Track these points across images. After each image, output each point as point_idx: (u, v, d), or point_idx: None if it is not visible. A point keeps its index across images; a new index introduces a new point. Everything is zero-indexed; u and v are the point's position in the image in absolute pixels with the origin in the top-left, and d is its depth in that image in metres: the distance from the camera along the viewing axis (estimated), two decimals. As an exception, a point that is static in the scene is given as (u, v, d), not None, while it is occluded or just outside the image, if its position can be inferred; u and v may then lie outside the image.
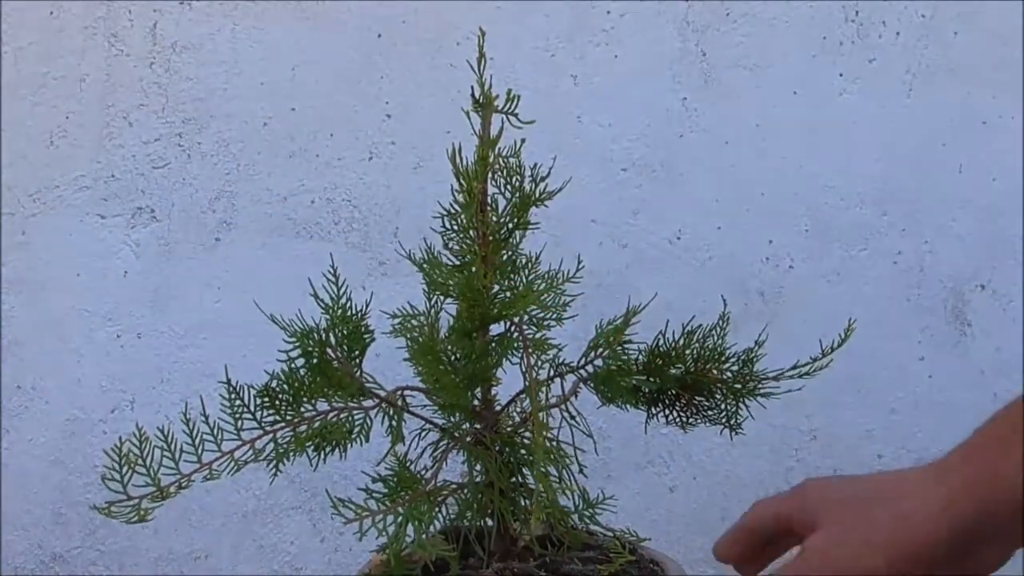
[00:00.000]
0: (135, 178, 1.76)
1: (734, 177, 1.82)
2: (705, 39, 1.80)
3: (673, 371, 1.02)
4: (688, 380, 1.02)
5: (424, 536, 0.86)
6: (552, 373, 1.01)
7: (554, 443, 0.98)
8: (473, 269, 0.95)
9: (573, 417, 1.00)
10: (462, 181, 0.93)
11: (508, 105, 0.94)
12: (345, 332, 0.96)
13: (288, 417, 0.94)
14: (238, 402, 0.92)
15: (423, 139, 1.76)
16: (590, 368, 1.02)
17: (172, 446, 0.90)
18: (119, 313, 1.78)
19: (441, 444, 0.99)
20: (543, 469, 0.88)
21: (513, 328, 0.97)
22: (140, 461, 0.89)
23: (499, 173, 0.98)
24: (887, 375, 1.85)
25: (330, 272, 0.98)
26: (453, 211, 0.97)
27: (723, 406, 1.03)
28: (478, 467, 0.98)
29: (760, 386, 1.01)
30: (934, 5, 1.80)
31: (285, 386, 0.94)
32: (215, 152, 1.77)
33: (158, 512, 1.85)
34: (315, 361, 0.93)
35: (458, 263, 0.98)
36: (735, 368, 1.02)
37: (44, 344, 1.77)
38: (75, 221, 1.76)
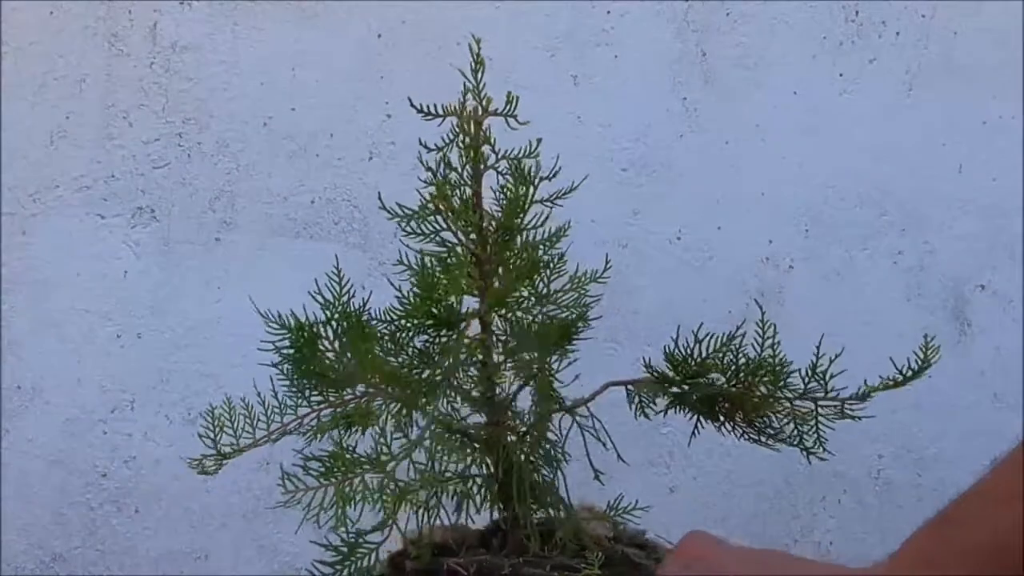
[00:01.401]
0: (135, 178, 1.76)
1: (734, 177, 1.82)
2: (705, 39, 1.79)
3: (702, 381, 1.00)
4: (723, 392, 0.99)
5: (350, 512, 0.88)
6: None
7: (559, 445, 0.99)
8: (430, 269, 0.96)
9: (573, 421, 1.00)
10: (436, 187, 0.95)
11: (507, 108, 0.95)
12: (343, 327, 0.97)
13: (331, 399, 1.00)
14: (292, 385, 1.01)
15: (423, 139, 1.76)
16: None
17: (252, 415, 1.01)
18: (119, 313, 1.78)
19: (450, 438, 1.00)
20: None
21: (465, 327, 0.98)
22: (228, 423, 0.99)
23: (504, 175, 0.99)
24: (887, 375, 1.85)
25: (333, 271, 1.01)
26: (423, 212, 0.98)
27: (792, 429, 0.99)
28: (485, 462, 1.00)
29: (847, 407, 0.97)
30: (934, 5, 1.80)
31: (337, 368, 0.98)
32: (215, 152, 1.77)
33: (158, 512, 1.85)
34: (301, 354, 0.96)
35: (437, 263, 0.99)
36: (787, 385, 0.98)
37: (44, 344, 1.77)
38: (75, 221, 1.76)
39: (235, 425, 0.99)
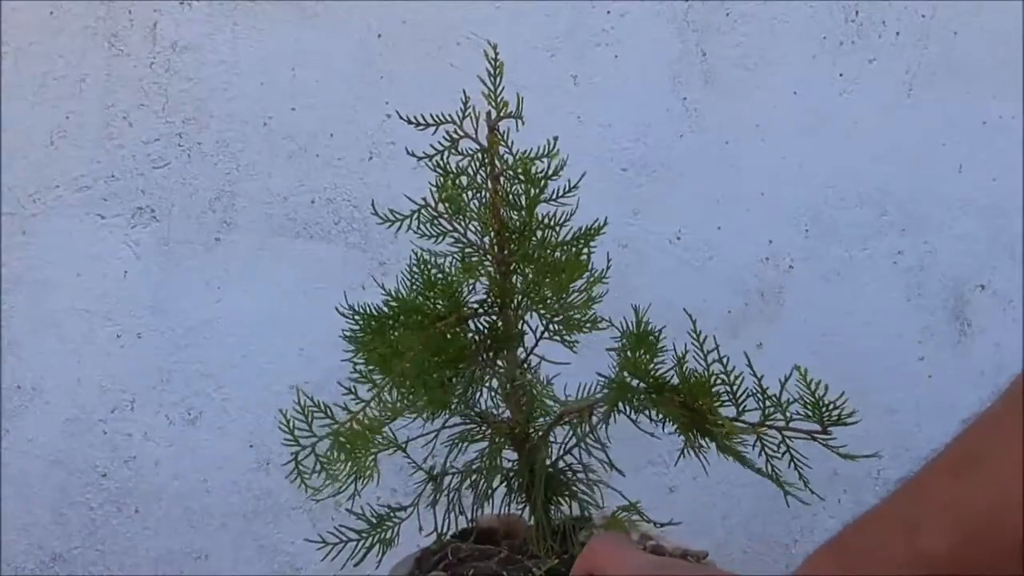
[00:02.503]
0: (135, 178, 1.76)
1: (734, 177, 1.82)
2: (705, 39, 1.80)
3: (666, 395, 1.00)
4: (685, 414, 0.97)
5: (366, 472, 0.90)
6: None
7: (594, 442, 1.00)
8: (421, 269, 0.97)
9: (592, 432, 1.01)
10: (444, 190, 0.96)
11: (516, 110, 0.96)
12: (407, 319, 0.99)
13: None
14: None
15: (423, 139, 1.76)
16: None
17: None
18: (119, 313, 1.78)
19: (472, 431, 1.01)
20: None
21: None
22: (320, 409, 1.00)
23: (515, 176, 0.99)
24: (887, 375, 1.85)
25: (414, 264, 1.03)
26: (428, 213, 0.99)
27: (762, 460, 0.97)
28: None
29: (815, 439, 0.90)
30: (934, 5, 1.80)
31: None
32: (215, 152, 1.77)
33: (158, 512, 1.85)
34: (372, 338, 0.97)
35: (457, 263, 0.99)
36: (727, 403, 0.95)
37: (44, 344, 1.77)
38: (75, 221, 1.76)
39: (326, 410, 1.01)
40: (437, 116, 0.98)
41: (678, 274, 1.81)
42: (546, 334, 1.02)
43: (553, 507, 1.04)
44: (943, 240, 1.83)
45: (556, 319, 1.01)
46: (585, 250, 1.01)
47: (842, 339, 1.75)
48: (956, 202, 1.83)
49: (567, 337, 1.01)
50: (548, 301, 1.00)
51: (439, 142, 1.00)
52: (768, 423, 0.90)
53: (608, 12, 1.78)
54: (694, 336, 0.90)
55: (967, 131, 1.82)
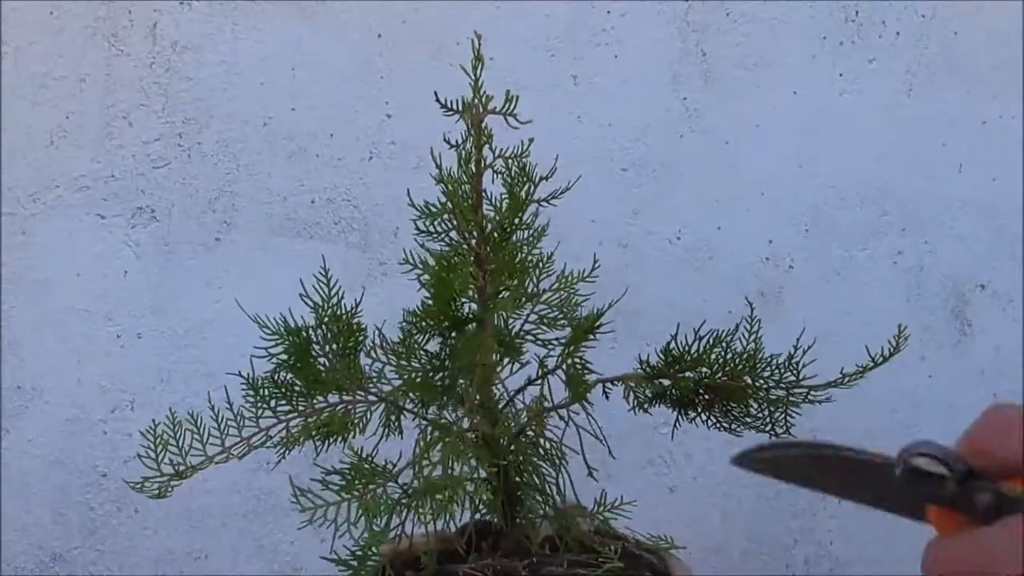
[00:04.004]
0: (135, 178, 1.76)
1: (734, 177, 1.82)
2: (705, 39, 1.80)
3: (690, 374, 1.01)
4: (712, 383, 1.01)
5: (377, 526, 0.87)
6: (540, 373, 1.02)
7: (556, 444, 0.99)
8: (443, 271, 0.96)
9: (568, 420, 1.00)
10: (446, 185, 0.95)
11: (506, 106, 0.95)
12: (335, 331, 0.97)
13: (300, 408, 0.96)
14: (254, 394, 0.96)
15: (423, 139, 1.76)
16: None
17: (201, 430, 0.95)
18: (119, 313, 1.78)
19: (435, 438, 0.99)
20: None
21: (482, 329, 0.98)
22: (173, 442, 0.94)
23: (501, 174, 0.99)
24: (887, 375, 1.85)
25: (321, 272, 0.99)
26: (432, 210, 0.98)
27: (766, 414, 1.02)
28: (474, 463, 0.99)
29: (811, 394, 1.01)
30: (934, 5, 1.80)
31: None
32: (215, 152, 1.77)
33: (158, 512, 1.86)
34: (294, 359, 0.95)
35: (446, 263, 0.98)
36: (768, 375, 1.00)
37: (44, 344, 1.77)
38: (75, 221, 1.76)
39: (180, 442, 0.96)
40: (453, 103, 0.97)
41: (678, 274, 1.81)
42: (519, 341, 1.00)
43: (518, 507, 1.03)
44: (943, 240, 1.83)
45: (528, 319, 1.01)
46: (535, 251, 1.00)
47: (842, 339, 1.75)
48: (956, 202, 1.83)
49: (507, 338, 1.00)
50: (513, 301, 0.99)
51: (460, 135, 0.99)
52: (781, 384, 1.01)
53: (608, 12, 1.78)
54: (749, 319, 1.00)
55: (967, 131, 1.82)
